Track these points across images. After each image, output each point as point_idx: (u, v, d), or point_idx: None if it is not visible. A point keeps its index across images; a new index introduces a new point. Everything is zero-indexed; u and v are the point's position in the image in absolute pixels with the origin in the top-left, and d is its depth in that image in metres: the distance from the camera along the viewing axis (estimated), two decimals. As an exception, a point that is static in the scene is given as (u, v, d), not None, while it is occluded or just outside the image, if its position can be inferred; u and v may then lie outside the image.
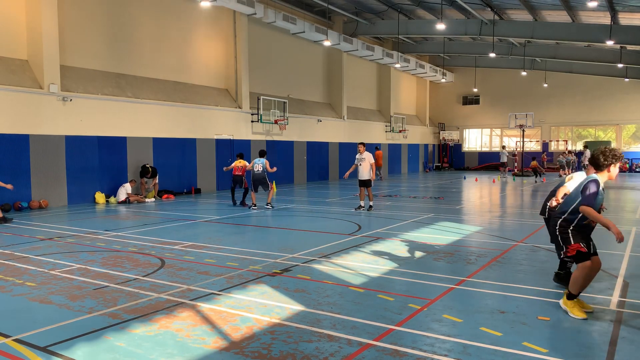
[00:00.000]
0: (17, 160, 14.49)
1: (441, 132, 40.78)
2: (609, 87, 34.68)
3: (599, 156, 5.17)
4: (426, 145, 40.15)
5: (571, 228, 5.20)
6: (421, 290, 6.11)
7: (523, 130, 32.68)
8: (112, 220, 12.66)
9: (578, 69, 33.83)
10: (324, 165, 27.72)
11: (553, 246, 5.52)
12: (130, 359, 4.14)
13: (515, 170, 33.45)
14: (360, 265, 7.38)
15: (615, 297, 5.76)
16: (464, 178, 29.63)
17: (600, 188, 5.07)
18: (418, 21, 26.87)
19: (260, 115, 22.27)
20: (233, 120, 21.67)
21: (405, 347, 4.33)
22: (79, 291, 6.05)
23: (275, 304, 5.52)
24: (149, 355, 4.21)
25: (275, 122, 23.19)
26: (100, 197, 16.31)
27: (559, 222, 5.31)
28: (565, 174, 28.26)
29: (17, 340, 4.50)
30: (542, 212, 6.83)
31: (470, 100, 40.10)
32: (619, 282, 6.43)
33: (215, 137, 20.85)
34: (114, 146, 17.05)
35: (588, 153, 28.48)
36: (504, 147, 33.28)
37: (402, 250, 8.47)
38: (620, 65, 29.89)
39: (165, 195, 17.89)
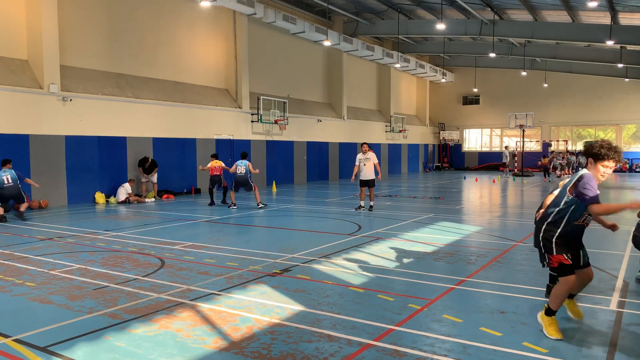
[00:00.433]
0: (17, 161, 14.47)
1: (441, 132, 40.78)
2: (609, 87, 34.67)
3: (595, 144, 4.45)
4: (426, 145, 40.15)
5: (556, 237, 4.54)
6: (421, 290, 6.11)
7: (523, 130, 32.70)
8: (112, 220, 12.66)
9: (578, 69, 33.83)
10: (324, 165, 27.72)
11: None
12: (130, 359, 4.14)
13: (515, 170, 33.45)
14: (360, 265, 7.38)
15: (615, 297, 5.75)
16: (464, 178, 29.63)
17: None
18: (418, 21, 26.87)
19: (260, 115, 22.27)
20: (233, 120, 21.67)
21: (405, 347, 4.33)
22: (79, 291, 6.05)
23: (275, 304, 5.52)
24: (149, 355, 4.21)
25: (275, 122, 23.19)
26: (100, 197, 16.30)
27: (543, 226, 4.65)
28: (566, 174, 28.26)
29: (17, 340, 4.50)
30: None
31: (470, 100, 40.10)
32: (619, 282, 6.43)
33: (215, 137, 20.85)
34: (114, 146, 17.05)
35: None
36: (506, 147, 33.30)
37: (402, 250, 8.47)
38: (620, 65, 29.89)
39: (165, 195, 17.90)
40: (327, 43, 24.17)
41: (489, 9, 23.38)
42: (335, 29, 26.83)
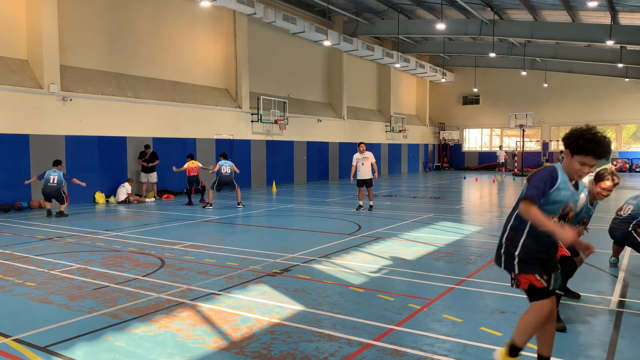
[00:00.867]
0: (17, 160, 14.49)
1: (441, 132, 40.77)
2: (609, 87, 34.67)
3: (575, 131, 3.35)
4: (426, 145, 40.15)
5: (518, 251, 3.46)
6: (421, 290, 6.11)
7: (523, 130, 32.70)
8: (112, 220, 12.67)
9: (578, 69, 33.83)
10: (324, 165, 27.72)
11: None
12: (130, 359, 4.14)
13: (515, 170, 33.45)
14: (360, 265, 7.38)
15: (615, 297, 5.75)
16: (464, 178, 29.63)
17: (562, 180, 3.36)
18: (418, 21, 26.86)
19: (260, 115, 22.27)
20: (233, 120, 21.66)
21: (405, 347, 4.33)
22: (79, 291, 6.05)
23: (275, 304, 5.52)
24: (149, 355, 4.21)
25: (275, 122, 23.18)
26: (100, 197, 16.30)
27: (504, 236, 3.61)
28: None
29: (17, 340, 4.50)
30: None
31: (470, 100, 40.09)
32: (619, 282, 6.43)
33: (215, 137, 20.85)
34: (114, 146, 17.05)
35: None
36: (500, 146, 33.23)
37: (402, 250, 8.47)
38: (620, 65, 29.88)
39: (165, 195, 17.91)
40: (327, 43, 24.16)
41: (489, 9, 23.38)
42: (335, 28, 26.83)
